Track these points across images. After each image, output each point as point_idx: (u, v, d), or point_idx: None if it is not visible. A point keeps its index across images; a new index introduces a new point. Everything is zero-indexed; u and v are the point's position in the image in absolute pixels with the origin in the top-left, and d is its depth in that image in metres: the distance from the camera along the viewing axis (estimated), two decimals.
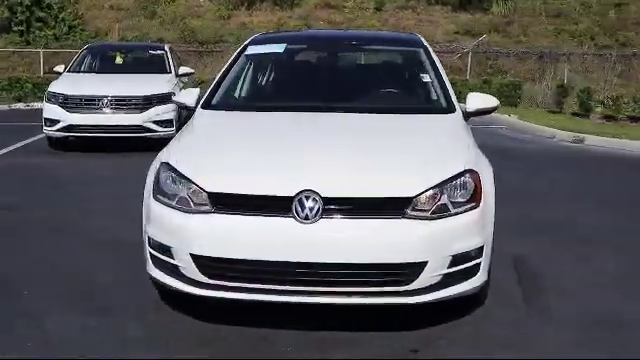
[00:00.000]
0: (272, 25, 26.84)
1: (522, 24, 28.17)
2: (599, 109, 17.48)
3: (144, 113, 10.78)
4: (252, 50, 5.52)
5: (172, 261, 4.05)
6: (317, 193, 3.80)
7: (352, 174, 3.99)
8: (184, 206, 4.01)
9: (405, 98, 5.40)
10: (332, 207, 3.79)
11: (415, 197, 3.86)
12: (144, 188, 4.41)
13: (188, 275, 3.99)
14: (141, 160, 5.23)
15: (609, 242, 6.10)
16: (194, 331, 4.11)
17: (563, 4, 29.84)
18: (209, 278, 3.92)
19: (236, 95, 5.27)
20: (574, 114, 17.84)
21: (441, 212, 3.89)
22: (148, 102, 10.85)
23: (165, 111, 10.85)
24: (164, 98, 10.85)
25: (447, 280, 3.94)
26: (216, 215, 3.91)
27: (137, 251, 4.48)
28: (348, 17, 28.06)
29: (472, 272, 4.03)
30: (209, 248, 3.90)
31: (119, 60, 12.36)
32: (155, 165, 4.45)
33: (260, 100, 5.09)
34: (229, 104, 5.09)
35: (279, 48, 5.58)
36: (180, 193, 4.07)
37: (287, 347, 3.94)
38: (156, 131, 10.84)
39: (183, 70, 12.10)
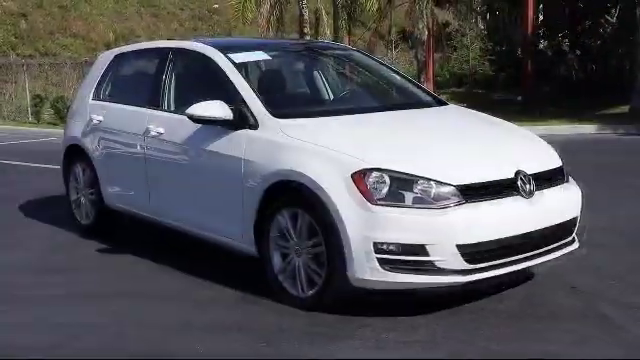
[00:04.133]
0: None
1: None
2: None
3: None
4: (240, 58, 5.20)
5: (426, 258, 4.05)
6: (525, 172, 4.40)
7: (525, 154, 4.66)
8: (427, 204, 4.09)
9: (411, 94, 5.75)
10: (537, 181, 4.45)
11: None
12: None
13: (446, 267, 4.08)
14: None
15: None
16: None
17: None
18: (470, 264, 4.14)
19: (284, 103, 4.99)
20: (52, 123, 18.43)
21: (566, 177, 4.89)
22: None
23: None
24: None
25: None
26: (469, 205, 4.09)
27: None
28: None
29: None
30: (472, 235, 4.07)
31: None
32: (329, 176, 4.22)
33: (311, 106, 5.00)
34: (295, 112, 4.86)
35: (263, 55, 5.39)
36: (409, 192, 4.11)
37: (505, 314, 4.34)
38: None
39: None
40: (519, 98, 19.37)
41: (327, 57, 6.11)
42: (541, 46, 20.38)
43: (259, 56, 5.42)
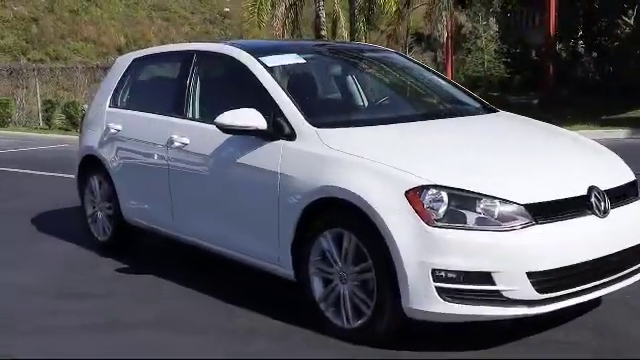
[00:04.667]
0: None
1: None
2: None
3: None
4: (273, 62, 4.76)
5: (491, 287, 3.58)
6: (598, 188, 3.90)
7: (596, 167, 4.19)
8: (492, 225, 3.63)
9: (458, 100, 5.30)
10: (610, 197, 3.94)
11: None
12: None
13: (514, 297, 3.61)
14: None
15: None
16: None
17: None
18: (541, 293, 3.66)
19: (323, 111, 4.55)
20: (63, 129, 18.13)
21: None
22: None
23: None
24: None
25: None
26: (539, 226, 3.62)
27: None
28: None
29: None
30: (545, 261, 3.60)
31: None
32: (379, 194, 3.75)
33: (352, 114, 4.58)
34: (337, 120, 4.41)
35: (296, 58, 4.94)
36: (471, 212, 3.64)
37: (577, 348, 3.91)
38: None
39: None
40: (536, 101, 18.87)
41: (365, 60, 5.65)
42: (556, 48, 19.88)
43: (293, 59, 4.97)
